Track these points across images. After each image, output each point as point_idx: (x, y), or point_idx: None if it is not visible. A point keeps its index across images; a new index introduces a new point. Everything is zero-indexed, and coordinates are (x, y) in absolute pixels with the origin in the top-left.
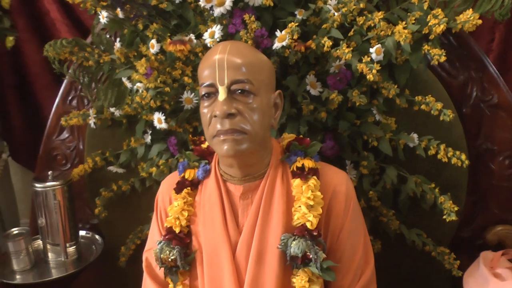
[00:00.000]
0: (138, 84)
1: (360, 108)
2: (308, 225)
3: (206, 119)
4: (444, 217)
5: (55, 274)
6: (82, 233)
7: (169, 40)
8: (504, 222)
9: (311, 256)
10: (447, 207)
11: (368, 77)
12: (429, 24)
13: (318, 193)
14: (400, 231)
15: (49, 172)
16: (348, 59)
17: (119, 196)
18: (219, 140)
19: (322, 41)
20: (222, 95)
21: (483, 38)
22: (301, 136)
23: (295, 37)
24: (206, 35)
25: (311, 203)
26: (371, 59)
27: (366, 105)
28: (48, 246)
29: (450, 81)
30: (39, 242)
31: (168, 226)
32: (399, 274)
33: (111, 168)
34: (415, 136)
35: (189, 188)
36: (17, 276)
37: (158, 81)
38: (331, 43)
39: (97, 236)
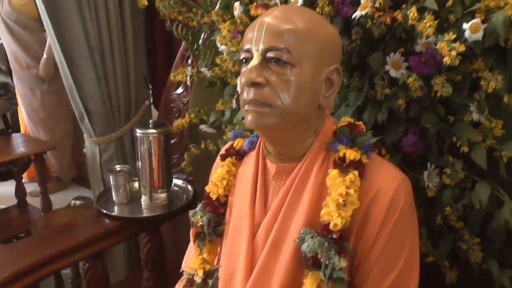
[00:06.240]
0: (223, 47)
1: (456, 102)
2: (331, 225)
3: (241, 87)
4: None
5: (144, 213)
6: (178, 182)
7: (255, 4)
8: None
9: (321, 260)
10: None
11: (444, 60)
12: None
13: (352, 191)
14: (488, 267)
15: (150, 121)
16: (429, 35)
17: (209, 155)
18: (244, 110)
19: (408, 12)
20: (254, 61)
21: None
22: (359, 122)
23: (377, 4)
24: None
25: (341, 200)
26: (463, 38)
27: (463, 99)
28: (142, 188)
29: None
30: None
31: (207, 192)
32: None
33: (202, 126)
34: None
35: (233, 157)
36: (115, 207)
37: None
38: (416, 15)
39: (189, 187)
